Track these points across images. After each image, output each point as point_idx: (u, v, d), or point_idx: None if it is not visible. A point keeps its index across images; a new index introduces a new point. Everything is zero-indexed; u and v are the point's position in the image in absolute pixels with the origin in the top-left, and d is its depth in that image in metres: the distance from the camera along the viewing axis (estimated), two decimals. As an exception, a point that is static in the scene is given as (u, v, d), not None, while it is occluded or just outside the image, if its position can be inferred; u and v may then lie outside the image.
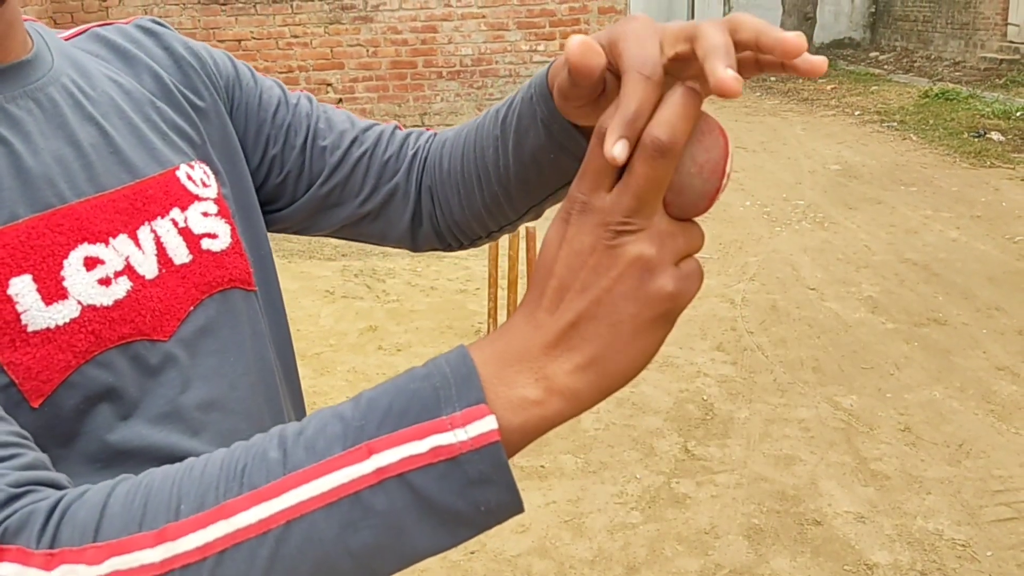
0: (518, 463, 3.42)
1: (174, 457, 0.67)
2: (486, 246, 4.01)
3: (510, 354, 0.51)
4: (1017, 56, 13.08)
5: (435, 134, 0.94)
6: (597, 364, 0.50)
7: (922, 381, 4.03)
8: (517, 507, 0.51)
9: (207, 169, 0.80)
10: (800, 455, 3.44)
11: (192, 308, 0.73)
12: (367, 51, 7.27)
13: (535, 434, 0.51)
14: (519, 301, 3.15)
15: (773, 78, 14.70)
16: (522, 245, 3.66)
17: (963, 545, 2.89)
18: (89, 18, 7.14)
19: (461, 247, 0.94)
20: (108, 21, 0.84)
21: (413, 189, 0.90)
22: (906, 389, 3.96)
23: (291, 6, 7.17)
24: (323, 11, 7.18)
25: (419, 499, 0.48)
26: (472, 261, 5.80)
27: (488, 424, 0.48)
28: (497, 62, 7.31)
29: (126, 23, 0.84)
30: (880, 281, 5.32)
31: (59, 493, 0.51)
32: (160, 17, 6.25)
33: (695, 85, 0.50)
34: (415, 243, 0.94)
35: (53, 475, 0.55)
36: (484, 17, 7.21)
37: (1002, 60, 13.28)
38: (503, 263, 3.71)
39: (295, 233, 0.96)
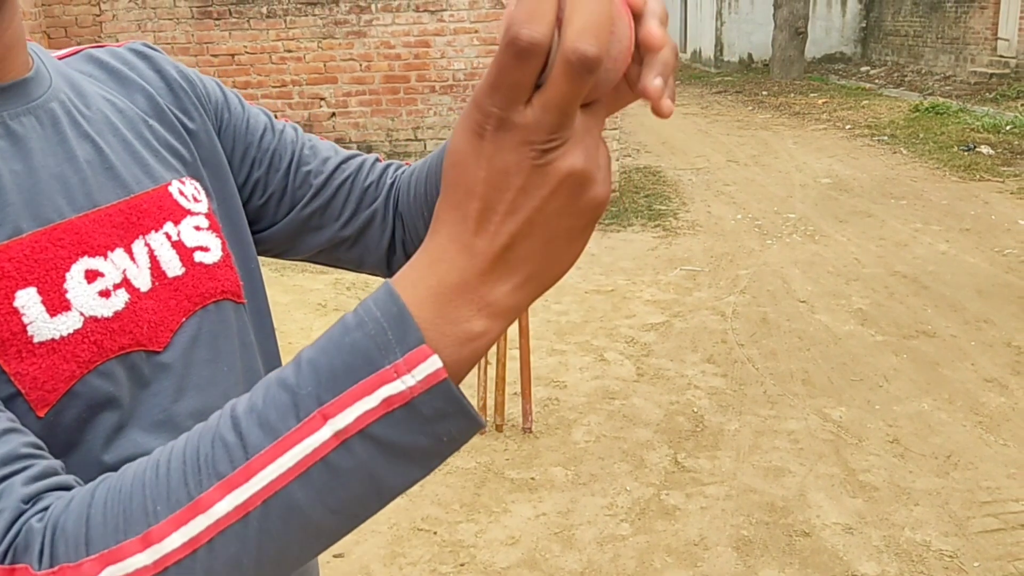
0: (508, 475, 3.43)
1: None
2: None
3: (447, 288, 0.50)
4: (1007, 70, 13.18)
5: (406, 164, 0.98)
6: (534, 278, 0.50)
7: (911, 393, 4.05)
8: (477, 426, 0.52)
9: (198, 185, 0.82)
10: (789, 467, 3.46)
11: (185, 319, 0.75)
12: (360, 65, 7.30)
13: (479, 356, 0.51)
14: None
15: (765, 92, 14.78)
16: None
17: (950, 556, 2.90)
18: (83, 32, 7.16)
19: None
20: (101, 44, 0.86)
21: (390, 216, 0.93)
22: (895, 401, 3.98)
23: (284, 21, 7.20)
24: (316, 26, 7.22)
25: (383, 447, 0.50)
26: (464, 274, 5.81)
27: (433, 364, 0.48)
28: (490, 76, 7.36)
29: (119, 46, 0.86)
30: (870, 294, 5.35)
31: (55, 507, 0.53)
32: (154, 32, 6.26)
33: None
34: (390, 270, 0.96)
35: (64, 479, 0.57)
36: (477, 32, 7.26)
37: (992, 74, 13.38)
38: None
39: (275, 256, 0.98)
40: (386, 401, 0.49)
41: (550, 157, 0.47)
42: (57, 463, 0.58)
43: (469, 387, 4.02)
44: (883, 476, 3.38)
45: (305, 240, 0.94)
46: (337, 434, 0.49)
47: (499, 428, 3.76)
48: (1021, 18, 13.02)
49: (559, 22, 0.45)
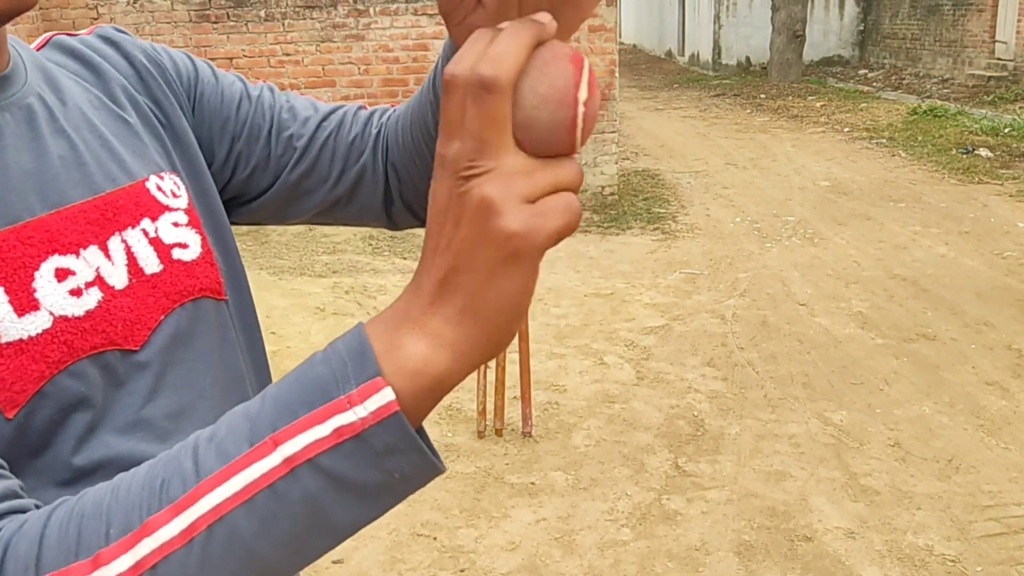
0: (507, 480, 3.42)
1: (140, 464, 0.69)
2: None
3: (396, 319, 0.51)
4: (1005, 73, 13.19)
5: (392, 108, 0.96)
6: (468, 312, 0.49)
7: (912, 396, 4.04)
8: (433, 468, 0.51)
9: (176, 180, 0.80)
10: (790, 471, 3.44)
11: (163, 317, 0.73)
12: (359, 69, 7.28)
13: (436, 394, 0.50)
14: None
15: (763, 95, 14.78)
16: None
17: (953, 560, 2.89)
18: (81, 36, 7.14)
19: None
20: (69, 32, 0.84)
21: (380, 168, 0.91)
22: (896, 404, 3.97)
23: (283, 24, 7.19)
24: (315, 29, 7.20)
25: (332, 479, 0.49)
26: (463, 278, 5.80)
27: (385, 396, 0.48)
28: (488, 80, 7.35)
29: (87, 33, 0.84)
30: (869, 297, 5.34)
31: (7, 528, 0.52)
32: (151, 35, 6.25)
33: (539, 18, 0.49)
34: (392, 221, 0.95)
35: (22, 503, 0.56)
36: (475, 35, 7.26)
37: (990, 77, 13.39)
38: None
39: (271, 223, 0.97)
40: (337, 431, 0.48)
41: (469, 185, 0.48)
42: (16, 483, 0.57)
43: (468, 391, 4.01)
44: (884, 480, 3.36)
45: (298, 205, 0.93)
46: (286, 460, 0.49)
47: (499, 432, 3.74)
48: (1019, 21, 13.04)
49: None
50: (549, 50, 0.49)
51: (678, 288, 5.61)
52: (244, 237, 6.28)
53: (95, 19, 7.14)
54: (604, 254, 6.38)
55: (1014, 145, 9.60)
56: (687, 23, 21.05)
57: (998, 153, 9.29)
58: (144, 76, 0.83)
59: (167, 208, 0.77)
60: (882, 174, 8.77)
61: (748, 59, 18.54)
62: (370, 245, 6.66)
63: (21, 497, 0.56)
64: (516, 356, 3.80)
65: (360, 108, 0.95)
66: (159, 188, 0.77)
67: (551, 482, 3.41)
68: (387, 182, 0.92)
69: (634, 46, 27.59)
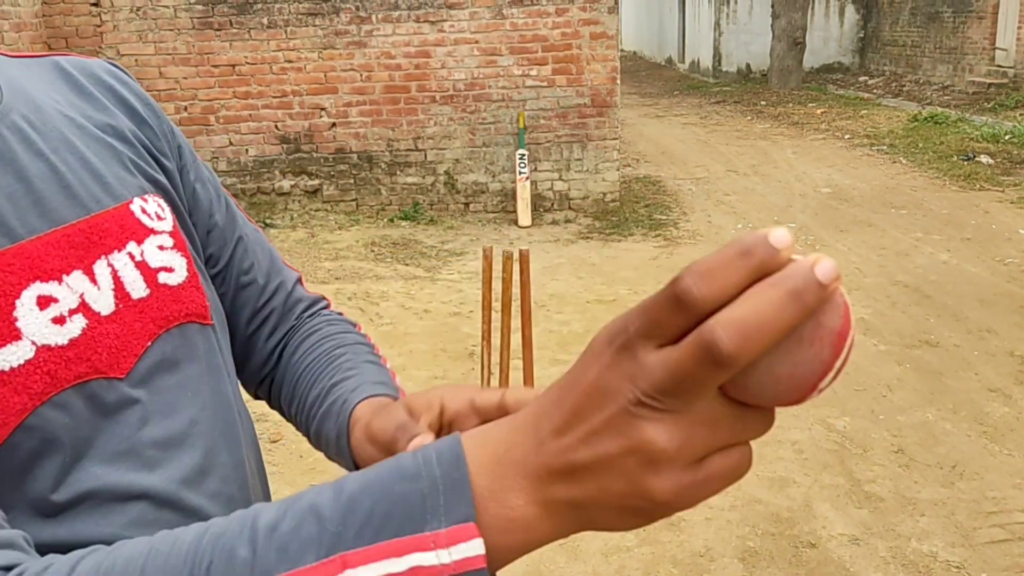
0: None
1: (130, 495, 0.67)
2: (480, 268, 4.01)
3: (507, 463, 0.46)
4: (1005, 80, 13.22)
5: (321, 308, 0.96)
6: (582, 510, 0.46)
7: (915, 403, 4.04)
8: None
9: (161, 202, 0.78)
10: (794, 477, 3.44)
11: (149, 344, 0.71)
12: (361, 76, 7.30)
13: (519, 554, 0.47)
14: (512, 324, 3.09)
15: (763, 102, 14.81)
16: (516, 268, 3.67)
17: (957, 567, 2.89)
18: (84, 43, 7.16)
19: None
20: (68, 52, 0.82)
21: (275, 359, 0.93)
22: (899, 411, 3.97)
23: (285, 31, 7.21)
24: (317, 36, 7.22)
25: None
26: (466, 284, 5.81)
27: (475, 548, 0.45)
28: (490, 87, 7.35)
29: (87, 58, 0.83)
30: (872, 303, 5.35)
31: (30, 569, 0.49)
32: (155, 42, 6.28)
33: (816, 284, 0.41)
34: (254, 394, 0.97)
35: (8, 534, 0.54)
36: (477, 42, 7.26)
37: (990, 84, 13.41)
38: (497, 286, 3.71)
39: None
40: (413, 570, 0.45)
41: (643, 412, 0.42)
42: (15, 534, 0.54)
43: (472, 397, 4.00)
44: (888, 486, 3.36)
45: None
46: None
47: (502, 439, 3.73)
48: (1019, 28, 13.06)
49: (735, 296, 0.41)
50: (812, 326, 0.41)
51: (680, 294, 5.61)
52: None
53: (99, 26, 7.15)
54: (606, 260, 6.39)
55: (1015, 152, 9.61)
56: (687, 30, 21.10)
57: (999, 160, 9.30)
58: (136, 110, 0.81)
59: (152, 231, 0.75)
60: (883, 181, 8.78)
61: (748, 66, 18.58)
62: (373, 252, 6.67)
63: (22, 550, 0.54)
64: (519, 362, 3.80)
65: (298, 282, 0.95)
66: (143, 211, 0.75)
67: (555, 488, 3.41)
68: (270, 371, 0.93)
69: (634, 53, 27.65)
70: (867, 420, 3.89)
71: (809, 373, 0.41)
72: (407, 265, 6.29)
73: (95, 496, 0.65)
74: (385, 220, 7.50)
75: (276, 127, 7.45)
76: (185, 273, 0.76)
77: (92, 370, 0.66)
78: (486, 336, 3.73)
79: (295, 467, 3.59)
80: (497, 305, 3.78)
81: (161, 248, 0.75)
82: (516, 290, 3.71)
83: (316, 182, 7.57)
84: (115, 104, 0.80)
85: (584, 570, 2.93)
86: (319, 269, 6.23)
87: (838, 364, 0.41)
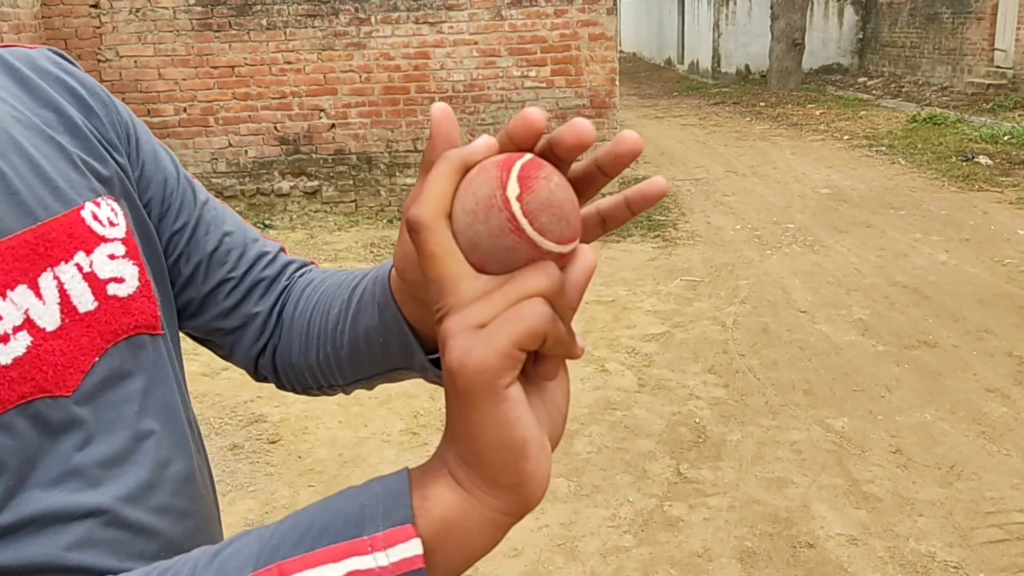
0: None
1: (76, 515, 0.64)
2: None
3: (432, 463, 0.48)
4: (1004, 81, 13.23)
5: (311, 268, 0.91)
6: (467, 457, 0.46)
7: (913, 403, 4.05)
8: None
9: (115, 206, 0.73)
10: (792, 477, 3.45)
11: (97, 359, 0.68)
12: (360, 77, 7.31)
13: (463, 554, 0.46)
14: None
15: (762, 103, 14.81)
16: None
17: (955, 567, 2.89)
18: (83, 44, 7.17)
19: (294, 391, 0.89)
20: (13, 44, 0.77)
21: (273, 321, 0.86)
22: (897, 411, 3.97)
23: (284, 33, 7.21)
24: (316, 38, 7.23)
25: None
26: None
27: (412, 548, 0.44)
28: (489, 88, 7.36)
29: (31, 48, 0.78)
30: (870, 304, 5.35)
31: None
32: (154, 43, 6.26)
33: (476, 143, 0.47)
34: (256, 371, 0.89)
35: None
36: (476, 44, 7.27)
37: (989, 85, 13.42)
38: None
39: None
40: (351, 575, 0.44)
41: (439, 328, 0.45)
42: None
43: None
44: (886, 487, 3.37)
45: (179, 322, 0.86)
46: None
47: (501, 439, 3.74)
48: (1018, 29, 13.08)
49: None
50: (476, 167, 0.47)
51: (679, 295, 5.62)
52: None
53: (98, 27, 7.16)
54: (605, 261, 6.39)
55: (1013, 153, 9.62)
56: (686, 31, 21.11)
57: (998, 161, 9.31)
58: (85, 100, 0.77)
59: (103, 239, 0.70)
60: (882, 181, 8.79)
61: (747, 67, 18.59)
62: (372, 253, 6.68)
63: None
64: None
65: (281, 251, 0.90)
66: (95, 217, 0.70)
67: (553, 488, 3.41)
68: (270, 337, 0.86)
69: (634, 54, 27.66)
70: (865, 420, 3.89)
71: (488, 191, 0.45)
72: (406, 266, 6.29)
73: (40, 519, 0.63)
74: (384, 221, 7.51)
75: (275, 128, 7.46)
76: (136, 283, 0.72)
77: (37, 389, 0.63)
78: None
79: (294, 468, 3.59)
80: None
81: (112, 257, 0.70)
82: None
83: (315, 183, 7.57)
84: (63, 95, 0.75)
85: (582, 571, 2.93)
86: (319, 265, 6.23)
87: (514, 172, 0.45)
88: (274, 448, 3.76)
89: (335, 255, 6.62)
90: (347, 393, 0.84)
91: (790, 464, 3.55)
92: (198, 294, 0.83)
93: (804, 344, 4.75)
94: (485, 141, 0.47)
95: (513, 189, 0.44)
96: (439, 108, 0.51)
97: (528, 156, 0.46)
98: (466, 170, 0.47)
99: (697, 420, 3.94)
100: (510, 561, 2.98)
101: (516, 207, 0.44)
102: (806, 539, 3.06)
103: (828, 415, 3.95)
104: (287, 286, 0.87)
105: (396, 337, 0.70)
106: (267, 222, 7.42)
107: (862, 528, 3.11)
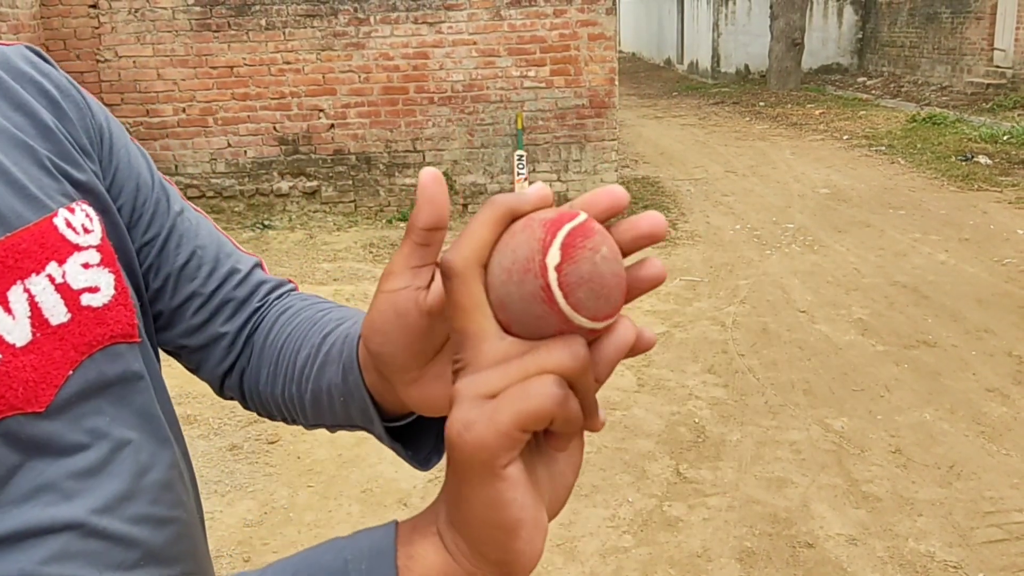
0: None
1: (51, 528, 0.62)
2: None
3: (424, 520, 0.47)
4: (1003, 80, 13.23)
5: (290, 290, 0.88)
6: (456, 523, 0.46)
7: (912, 403, 4.05)
8: None
9: (90, 211, 0.70)
10: (792, 477, 3.44)
11: (71, 372, 0.65)
12: (359, 77, 7.30)
13: None
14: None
15: (762, 103, 14.81)
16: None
17: (955, 567, 2.89)
18: (81, 45, 7.17)
19: (259, 414, 0.86)
20: None
21: (239, 344, 0.83)
22: (897, 411, 3.97)
23: (283, 33, 7.21)
24: (315, 38, 7.23)
25: None
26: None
27: None
28: (488, 88, 7.36)
29: (4, 45, 0.74)
30: (870, 304, 5.35)
31: None
32: (153, 44, 6.27)
33: (530, 191, 0.45)
34: (221, 389, 0.87)
35: None
36: (475, 44, 7.27)
37: (988, 84, 13.42)
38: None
39: None
40: None
41: (456, 379, 0.44)
42: None
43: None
44: (886, 486, 3.36)
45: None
46: None
47: (500, 439, 3.74)
48: (1017, 29, 13.08)
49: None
50: (523, 220, 0.44)
51: (678, 295, 5.62)
52: (244, 244, 6.28)
53: (96, 27, 7.15)
54: (604, 261, 6.38)
55: (1013, 152, 9.62)
56: (686, 31, 21.11)
57: (997, 160, 9.31)
58: (57, 101, 0.74)
59: (76, 248, 0.67)
60: (881, 181, 8.79)
61: (747, 67, 18.59)
62: (371, 253, 6.68)
63: None
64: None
65: (256, 267, 0.86)
66: (68, 224, 0.67)
67: (552, 489, 3.40)
68: (238, 358, 0.83)
69: (633, 54, 27.66)
70: (865, 420, 3.89)
71: (527, 253, 0.42)
72: (405, 266, 6.28)
73: (13, 535, 0.61)
74: (383, 221, 7.50)
75: (274, 128, 7.45)
76: (112, 291, 0.69)
77: (8, 407, 0.60)
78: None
79: (293, 468, 3.59)
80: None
81: (86, 266, 0.67)
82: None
83: (314, 183, 7.57)
84: (35, 96, 0.72)
85: (581, 571, 2.93)
86: (317, 270, 6.23)
87: (559, 238, 0.42)
88: (273, 448, 3.75)
89: (334, 255, 6.62)
90: (311, 429, 0.81)
91: (789, 464, 3.54)
92: (166, 308, 0.80)
93: (804, 344, 4.75)
94: (538, 191, 0.45)
95: (554, 257, 0.42)
96: (428, 173, 0.49)
97: (581, 218, 0.43)
98: (512, 220, 0.44)
99: (696, 420, 3.94)
100: (509, 561, 2.98)
101: (553, 278, 0.42)
102: (805, 539, 3.06)
103: (827, 415, 3.95)
104: (259, 307, 0.84)
105: (356, 402, 0.68)
106: (266, 222, 7.42)
107: (861, 528, 3.11)
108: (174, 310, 0.80)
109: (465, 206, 7.65)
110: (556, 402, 0.41)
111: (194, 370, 0.85)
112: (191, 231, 0.81)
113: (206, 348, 0.82)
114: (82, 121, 0.74)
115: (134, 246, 0.77)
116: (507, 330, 0.44)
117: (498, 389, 0.42)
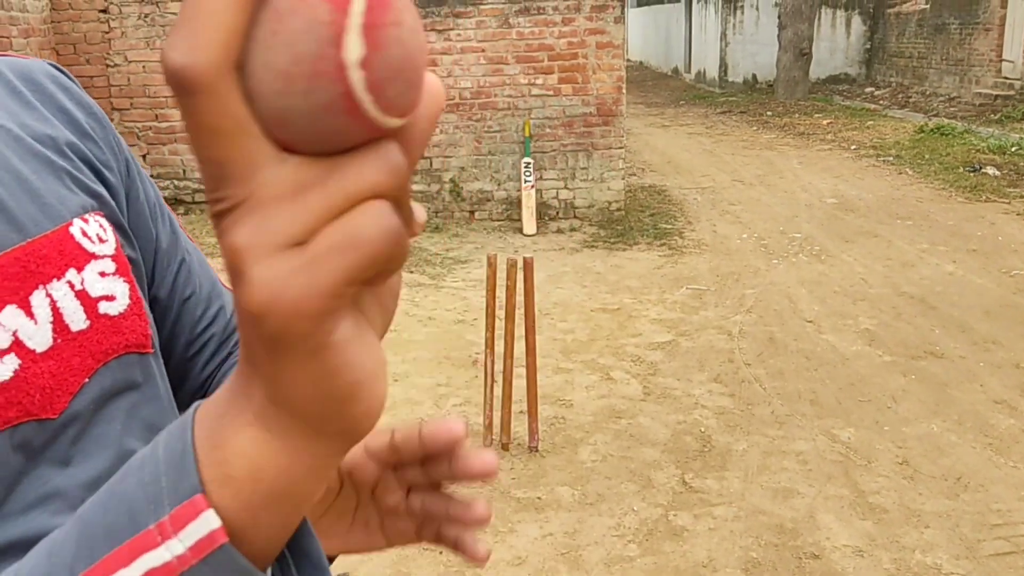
0: (514, 494, 3.40)
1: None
2: (484, 276, 4.01)
3: (221, 405, 0.38)
4: (1011, 92, 13.20)
5: None
6: (276, 400, 0.36)
7: (920, 414, 4.03)
8: None
9: (104, 222, 0.70)
10: (798, 488, 3.43)
11: (87, 379, 0.65)
12: (367, 83, 7.34)
13: (284, 504, 0.38)
14: (515, 331, 3.10)
15: (770, 112, 14.81)
16: (520, 275, 3.67)
17: (962, 580, 2.87)
18: (92, 50, 7.20)
19: None
20: (7, 53, 0.75)
21: (211, 382, 0.83)
22: (904, 422, 3.95)
23: (292, 39, 7.25)
24: (324, 44, 7.26)
25: None
26: (470, 292, 5.80)
27: (207, 523, 0.36)
28: (496, 95, 7.36)
29: (27, 58, 0.74)
30: (877, 314, 5.33)
31: None
32: (162, 48, 6.39)
33: None
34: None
35: None
36: (483, 51, 7.28)
37: (997, 96, 13.40)
38: (501, 293, 3.71)
39: None
40: (148, 574, 0.37)
41: (219, 230, 0.32)
42: None
43: (475, 405, 4.00)
44: (893, 498, 3.35)
45: None
46: None
47: (505, 447, 3.73)
48: (1025, 40, 13.06)
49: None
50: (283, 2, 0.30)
51: (685, 304, 5.61)
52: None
53: (106, 32, 7.18)
54: (611, 269, 6.38)
55: (1021, 164, 9.60)
56: (693, 40, 21.13)
57: (1005, 171, 9.29)
58: (79, 121, 0.73)
59: (93, 256, 0.67)
60: (889, 192, 8.77)
61: (754, 76, 18.59)
62: (377, 259, 6.68)
63: None
64: (523, 370, 3.80)
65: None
66: (84, 233, 0.67)
67: (557, 497, 3.40)
68: (195, 395, 0.82)
69: (640, 63, 27.69)
70: (872, 431, 3.88)
71: (313, 48, 0.29)
72: (411, 272, 6.29)
73: (19, 543, 0.59)
74: (390, 227, 7.51)
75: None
76: (127, 300, 0.69)
77: (23, 413, 0.60)
78: (490, 344, 3.72)
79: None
80: (501, 313, 3.78)
81: (103, 274, 0.67)
82: (520, 298, 3.71)
83: (322, 189, 7.57)
84: (55, 114, 0.71)
85: (586, 579, 2.92)
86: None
87: (354, 16, 0.29)
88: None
89: (341, 261, 6.62)
90: None
91: (796, 474, 3.53)
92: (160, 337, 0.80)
93: (810, 354, 4.73)
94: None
95: (354, 49, 0.29)
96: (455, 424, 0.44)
97: None
98: None
99: (703, 429, 3.93)
100: (513, 570, 2.97)
101: (357, 78, 0.30)
102: (811, 550, 3.04)
103: (834, 425, 3.93)
104: (230, 353, 0.83)
105: None
106: (273, 228, 7.43)
107: (868, 539, 3.09)
108: (165, 342, 0.80)
109: (472, 213, 7.66)
110: (393, 236, 0.32)
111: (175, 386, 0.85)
112: (194, 270, 0.82)
113: (180, 387, 0.82)
114: (105, 140, 0.74)
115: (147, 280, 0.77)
116: (286, 148, 0.32)
117: (305, 231, 0.31)
